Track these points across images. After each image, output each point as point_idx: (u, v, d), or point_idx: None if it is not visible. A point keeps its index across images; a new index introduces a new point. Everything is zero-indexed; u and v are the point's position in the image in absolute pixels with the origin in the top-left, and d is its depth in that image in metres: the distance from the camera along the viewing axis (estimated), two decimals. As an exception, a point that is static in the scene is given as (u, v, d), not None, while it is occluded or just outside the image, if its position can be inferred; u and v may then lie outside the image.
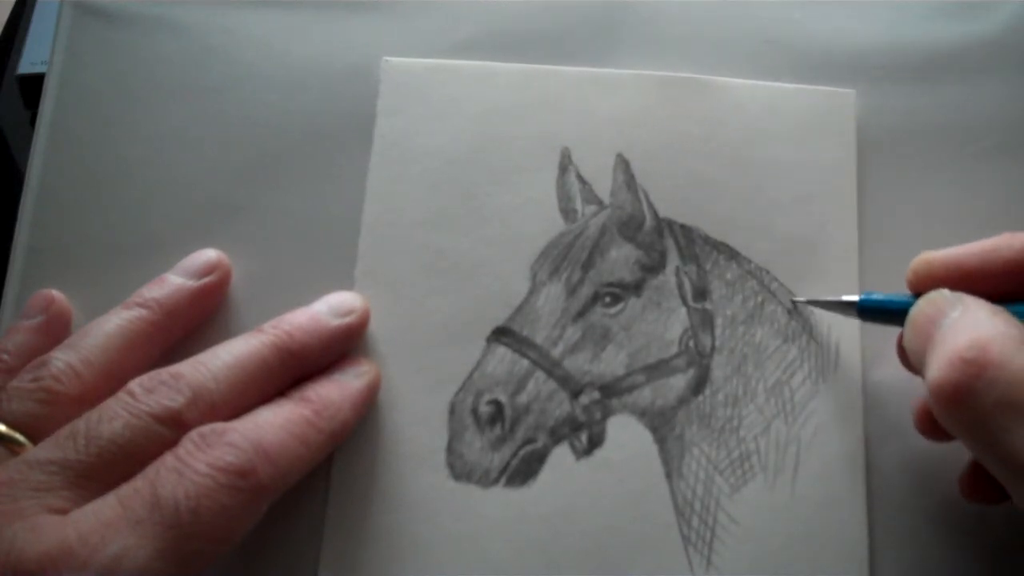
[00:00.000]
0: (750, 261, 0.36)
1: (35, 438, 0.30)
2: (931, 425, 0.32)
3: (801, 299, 0.36)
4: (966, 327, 0.27)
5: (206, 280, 0.35)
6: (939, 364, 0.27)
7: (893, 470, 0.34)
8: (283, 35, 0.39)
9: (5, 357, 0.33)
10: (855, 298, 0.33)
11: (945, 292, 0.30)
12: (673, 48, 0.39)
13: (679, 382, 0.35)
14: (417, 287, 0.36)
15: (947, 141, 0.38)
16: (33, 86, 0.49)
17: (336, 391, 0.33)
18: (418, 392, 0.34)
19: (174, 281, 0.35)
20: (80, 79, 0.38)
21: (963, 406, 0.26)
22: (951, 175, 0.37)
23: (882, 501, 0.34)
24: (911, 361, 0.30)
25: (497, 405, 0.34)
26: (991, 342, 0.26)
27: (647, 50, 0.39)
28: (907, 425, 0.34)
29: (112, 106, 0.38)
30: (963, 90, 0.38)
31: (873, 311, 0.33)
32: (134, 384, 0.30)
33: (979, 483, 0.32)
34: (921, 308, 0.30)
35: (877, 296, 0.33)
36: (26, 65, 0.50)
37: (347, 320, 0.34)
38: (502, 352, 0.35)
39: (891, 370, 0.35)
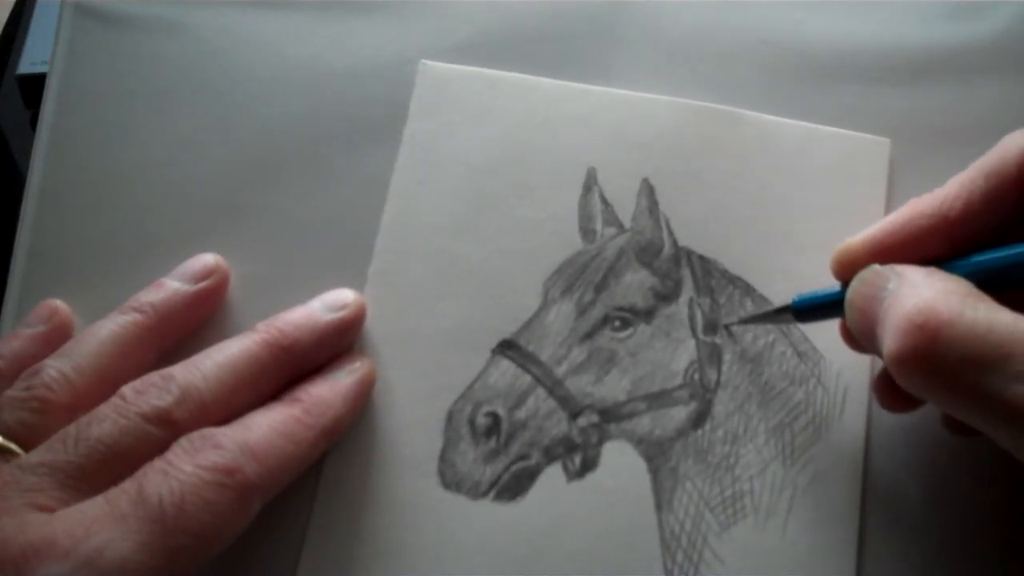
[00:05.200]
0: (766, 299, 0.36)
1: (29, 447, 0.30)
2: (891, 396, 0.33)
3: (733, 320, 0.36)
4: (907, 294, 0.27)
5: (203, 284, 0.35)
6: (892, 335, 0.27)
7: (889, 525, 0.34)
8: (284, 37, 0.39)
9: (0, 364, 0.34)
10: (788, 302, 0.33)
11: (875, 267, 0.30)
12: (672, 49, 0.39)
13: (680, 414, 0.35)
14: (428, 291, 0.36)
15: (947, 142, 0.37)
16: (33, 86, 0.50)
17: (327, 388, 0.33)
18: (417, 397, 0.35)
19: (170, 285, 0.35)
20: (81, 81, 0.39)
21: (927, 370, 0.26)
22: (951, 177, 0.37)
23: (874, 556, 0.34)
24: (860, 343, 0.30)
25: (495, 418, 0.34)
26: (935, 301, 0.26)
27: (646, 52, 0.39)
28: (908, 481, 0.34)
29: (113, 108, 0.38)
30: (963, 91, 0.37)
31: (809, 310, 0.33)
32: (126, 388, 0.31)
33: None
34: (857, 289, 0.30)
35: (808, 294, 0.33)
36: (26, 65, 0.51)
37: (340, 315, 0.34)
38: (506, 365, 0.35)
39: (897, 422, 0.35)
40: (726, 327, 0.35)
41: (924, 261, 0.30)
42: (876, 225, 0.31)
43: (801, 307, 0.33)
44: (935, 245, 0.30)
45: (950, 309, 0.26)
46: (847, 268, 0.31)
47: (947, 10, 0.39)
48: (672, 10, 0.40)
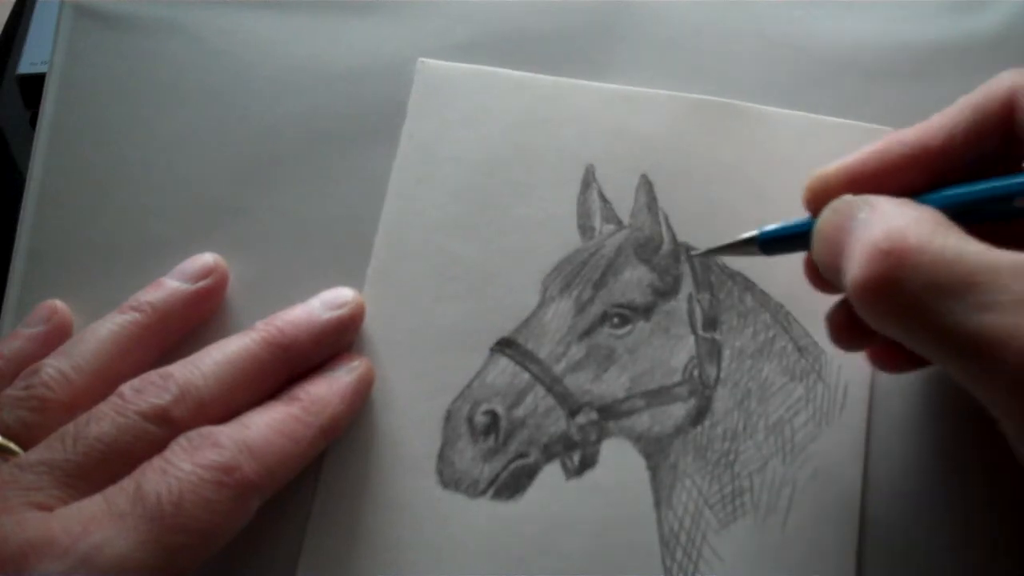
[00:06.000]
0: (766, 294, 0.36)
1: (28, 446, 0.30)
2: (846, 332, 0.32)
3: (699, 250, 0.35)
4: (877, 221, 0.27)
5: (202, 284, 0.35)
6: (858, 262, 0.26)
7: (889, 522, 0.34)
8: (283, 37, 0.39)
9: (0, 363, 0.34)
10: (754, 233, 0.32)
11: (848, 197, 0.29)
12: (672, 48, 0.39)
13: (679, 411, 0.35)
14: (427, 290, 0.36)
15: None
16: (33, 86, 0.50)
17: (325, 387, 0.33)
18: (416, 395, 0.35)
19: (170, 285, 0.35)
20: (81, 81, 0.39)
21: (890, 297, 0.26)
22: None
23: (874, 553, 0.33)
24: (823, 275, 0.29)
25: (493, 416, 0.34)
26: (906, 228, 0.26)
27: (646, 51, 0.39)
28: (910, 476, 0.34)
29: (113, 108, 0.38)
30: (963, 89, 0.37)
31: (776, 240, 0.32)
32: (125, 387, 0.31)
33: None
34: (827, 217, 0.29)
35: (775, 225, 0.32)
36: (26, 65, 0.50)
37: (339, 313, 0.34)
38: (504, 363, 0.35)
39: (898, 418, 0.34)
40: (689, 256, 0.35)
41: (899, 193, 0.29)
42: (853, 155, 0.31)
43: (768, 238, 0.32)
44: (913, 177, 0.30)
45: (919, 236, 0.25)
46: (820, 198, 0.30)
47: (947, 6, 0.39)
48: (671, 8, 0.39)
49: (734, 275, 0.36)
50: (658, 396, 0.35)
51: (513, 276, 0.36)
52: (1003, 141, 0.29)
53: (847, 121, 0.37)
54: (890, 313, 0.26)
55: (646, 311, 0.35)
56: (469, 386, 0.35)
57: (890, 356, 0.32)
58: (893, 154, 0.30)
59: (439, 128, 0.37)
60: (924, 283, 0.25)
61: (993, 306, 0.24)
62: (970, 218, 0.28)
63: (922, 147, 0.30)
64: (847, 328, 0.32)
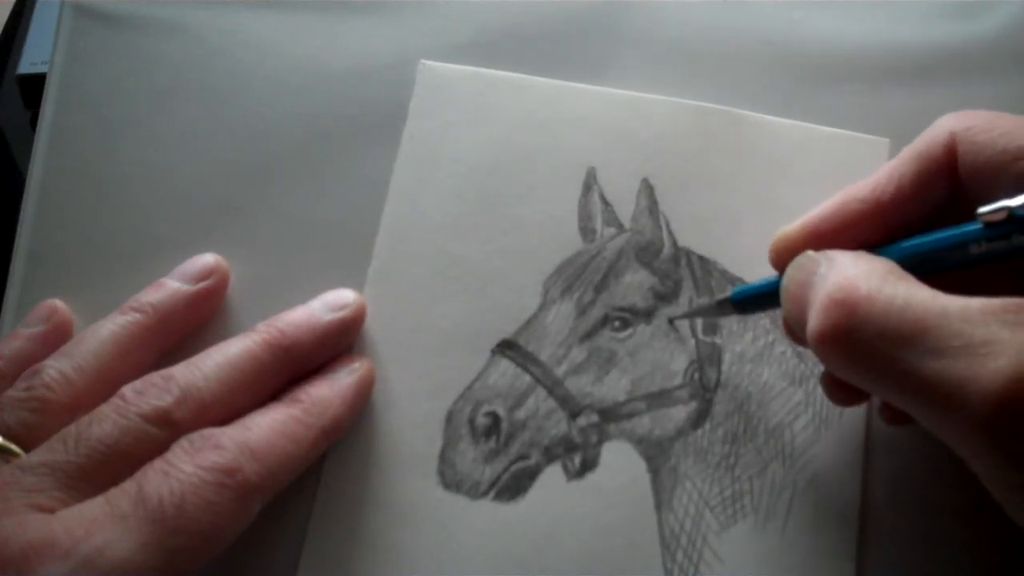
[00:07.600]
0: (765, 299, 0.36)
1: (29, 447, 0.30)
2: (837, 391, 0.32)
3: (678, 314, 0.35)
4: (832, 275, 0.27)
5: (203, 284, 0.35)
6: (814, 315, 0.27)
7: (889, 525, 0.34)
8: (283, 37, 0.39)
9: (0, 364, 0.34)
10: (727, 295, 0.33)
11: (809, 253, 0.30)
12: (672, 49, 0.39)
13: (680, 414, 0.35)
14: (428, 291, 0.36)
15: None
16: (33, 86, 0.50)
17: (326, 388, 0.33)
18: (416, 396, 0.35)
19: (171, 285, 0.35)
20: (81, 82, 0.39)
21: (846, 347, 0.26)
22: None
23: (874, 556, 0.34)
24: (796, 331, 0.30)
25: (494, 417, 0.34)
26: (856, 279, 0.26)
27: (646, 53, 0.39)
28: (909, 480, 0.34)
29: (113, 108, 0.38)
30: (962, 90, 0.37)
31: (749, 300, 0.33)
32: (126, 388, 0.31)
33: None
34: (791, 275, 0.30)
35: (746, 285, 0.33)
36: (26, 65, 0.50)
37: (340, 315, 0.34)
38: (505, 365, 0.35)
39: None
40: (670, 321, 0.35)
41: (859, 246, 0.29)
42: (812, 212, 0.31)
43: (739, 298, 0.33)
44: (870, 230, 0.30)
45: (869, 285, 0.26)
46: (784, 256, 0.31)
47: (947, 10, 0.39)
48: (672, 10, 0.40)
49: (734, 280, 0.36)
50: (659, 399, 0.35)
51: (514, 277, 0.36)
52: (949, 187, 0.30)
53: (845, 132, 0.38)
54: (848, 362, 0.26)
55: (647, 314, 0.36)
56: (470, 387, 0.35)
57: (887, 409, 0.33)
58: (849, 209, 0.31)
59: (440, 129, 0.38)
60: (876, 331, 0.25)
61: (945, 352, 0.24)
62: (932, 267, 0.28)
63: (874, 200, 0.30)
64: (837, 386, 0.32)
